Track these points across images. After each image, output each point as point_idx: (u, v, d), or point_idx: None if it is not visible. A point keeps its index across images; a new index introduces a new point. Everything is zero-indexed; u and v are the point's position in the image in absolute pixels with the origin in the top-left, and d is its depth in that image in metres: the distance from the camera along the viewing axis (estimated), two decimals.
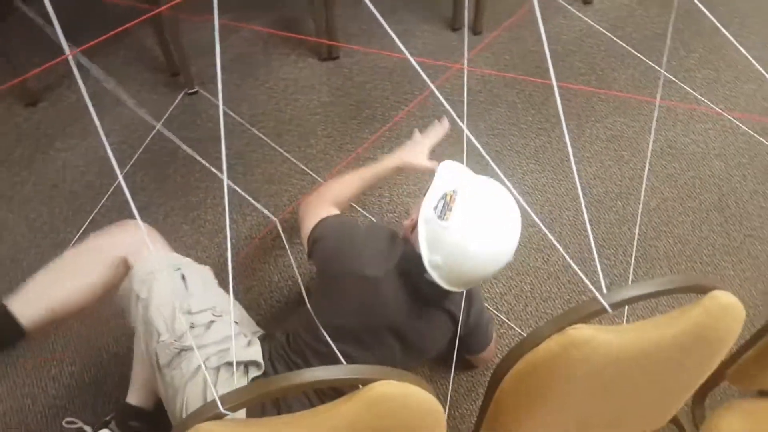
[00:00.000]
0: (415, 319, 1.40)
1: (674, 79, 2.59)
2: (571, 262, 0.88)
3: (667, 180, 2.34)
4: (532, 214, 1.04)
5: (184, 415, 1.27)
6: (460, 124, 1.24)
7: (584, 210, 0.98)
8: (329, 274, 1.45)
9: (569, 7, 2.81)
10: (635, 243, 2.13)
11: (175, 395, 1.33)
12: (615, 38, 2.68)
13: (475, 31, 2.72)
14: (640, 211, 2.21)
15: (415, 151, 1.70)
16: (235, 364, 1.34)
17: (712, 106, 2.53)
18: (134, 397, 1.57)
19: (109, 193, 2.13)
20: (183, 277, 1.41)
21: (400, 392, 0.82)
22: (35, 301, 1.37)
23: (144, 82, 2.50)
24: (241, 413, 1.14)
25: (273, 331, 1.52)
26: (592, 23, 2.76)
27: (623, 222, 2.20)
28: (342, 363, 1.25)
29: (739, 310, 0.89)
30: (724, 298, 0.86)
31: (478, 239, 1.28)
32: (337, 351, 1.29)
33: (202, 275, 1.48)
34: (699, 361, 0.97)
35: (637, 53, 2.62)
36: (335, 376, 0.81)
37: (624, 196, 2.27)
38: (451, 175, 1.39)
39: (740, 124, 2.48)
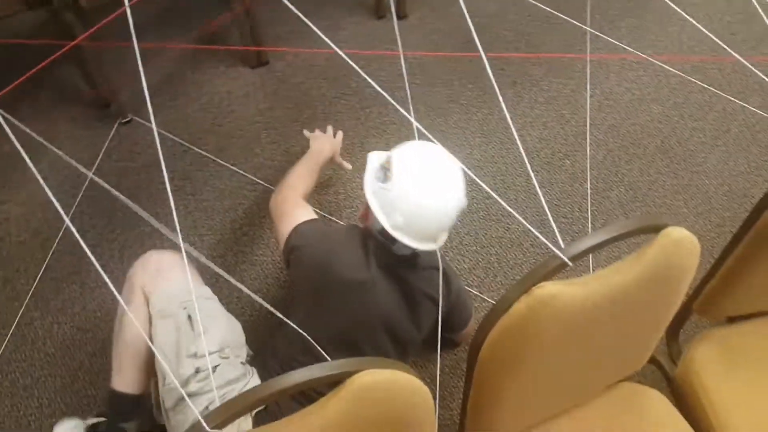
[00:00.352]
0: (403, 312, 1.43)
1: (600, 33, 2.64)
2: (525, 223, 0.90)
3: (609, 131, 2.39)
4: (485, 186, 1.05)
5: None
6: (404, 113, 1.26)
7: (532, 174, 0.99)
8: (315, 285, 1.44)
9: None
10: (589, 197, 2.17)
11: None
12: (537, 3, 2.72)
13: (400, 15, 2.73)
14: (588, 166, 2.25)
15: (333, 143, 1.97)
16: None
17: (638, 53, 2.60)
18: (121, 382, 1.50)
19: (58, 237, 2.07)
20: (189, 317, 1.40)
21: (384, 379, 0.82)
22: (123, 369, 1.47)
23: (75, 119, 2.43)
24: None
25: (262, 350, 1.51)
26: None
27: (574, 179, 2.24)
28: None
29: (693, 243, 0.92)
30: (677, 233, 0.89)
31: (424, 184, 1.33)
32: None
33: (208, 310, 1.47)
34: (664, 297, 0.99)
35: (560, 14, 2.66)
36: (317, 375, 0.80)
37: (571, 154, 2.31)
38: (378, 153, 1.46)
39: (669, 67, 2.55)
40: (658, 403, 1.33)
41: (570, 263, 0.82)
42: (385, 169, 1.36)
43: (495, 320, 0.89)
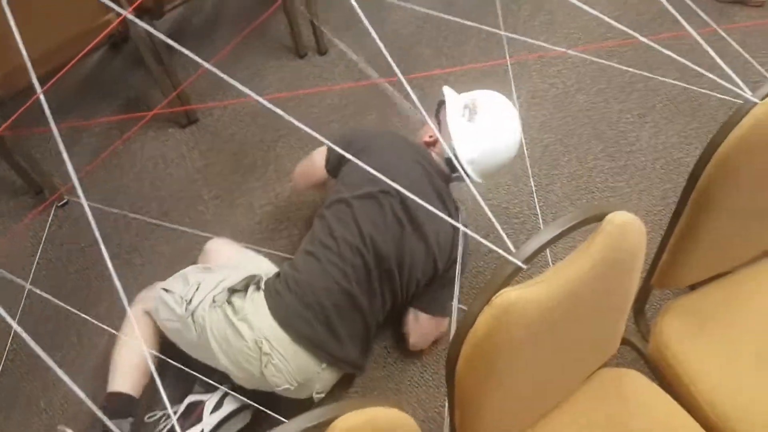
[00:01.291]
0: (422, 194, 1.58)
1: (515, 35, 2.71)
2: (475, 235, 0.91)
3: (542, 128, 2.45)
4: (428, 206, 1.06)
5: (222, 345, 1.53)
6: (335, 148, 1.29)
7: (470, 184, 1.02)
8: (358, 148, 1.65)
9: (398, 2, 2.89)
10: (535, 194, 2.22)
11: (207, 342, 1.53)
12: (450, 16, 2.78)
13: (320, 51, 2.75)
14: (528, 165, 2.30)
15: None
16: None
17: (555, 48, 2.67)
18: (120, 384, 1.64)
19: (11, 336, 2.00)
20: (166, 290, 1.65)
21: (365, 419, 0.81)
22: (121, 374, 1.63)
23: (10, 211, 2.36)
24: None
25: None
26: (424, 9, 2.85)
27: (518, 179, 2.28)
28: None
29: (637, 224, 0.94)
30: (620, 218, 0.91)
31: (505, 129, 1.71)
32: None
33: (178, 276, 1.71)
34: (621, 281, 1.02)
35: (474, 23, 2.72)
36: (301, 427, 0.79)
37: None
38: (455, 94, 1.77)
39: (587, 56, 2.64)
40: (638, 383, 1.35)
41: (524, 266, 0.84)
42: (472, 111, 1.68)
43: (463, 336, 0.90)
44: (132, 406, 1.61)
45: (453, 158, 1.66)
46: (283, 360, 1.52)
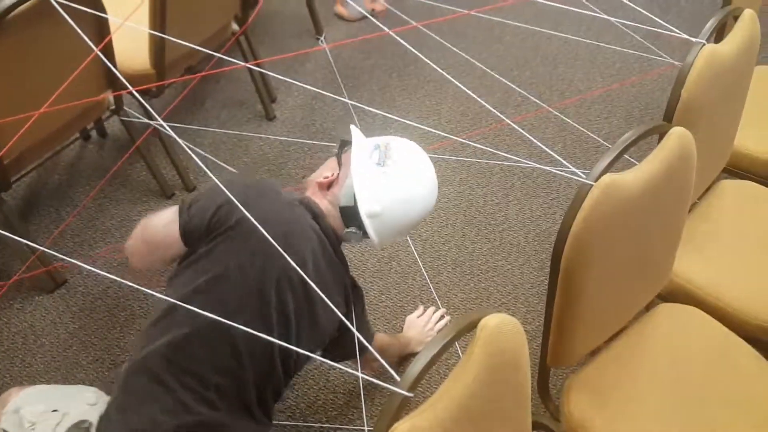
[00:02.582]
0: (313, 270, 1.35)
1: None
2: (361, 374, 0.89)
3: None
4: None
5: None
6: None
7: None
8: (219, 225, 1.34)
9: (257, 135, 2.95)
10: (431, 286, 2.26)
11: None
12: (310, 140, 2.87)
13: (188, 189, 2.73)
14: (419, 259, 2.35)
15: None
16: None
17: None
18: None
19: None
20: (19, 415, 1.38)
21: None
22: None
23: None
24: None
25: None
26: (286, 137, 2.92)
27: (405, 276, 2.33)
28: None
29: (511, 323, 0.96)
30: (493, 321, 0.92)
31: (419, 181, 1.42)
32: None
33: (14, 409, 1.41)
34: (510, 380, 1.02)
35: (328, 143, 2.82)
36: None
37: (394, 257, 2.40)
38: (362, 135, 1.52)
39: (442, 156, 2.76)
40: None
41: (410, 395, 0.82)
42: (383, 154, 1.40)
43: None
44: None
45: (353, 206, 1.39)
46: None
